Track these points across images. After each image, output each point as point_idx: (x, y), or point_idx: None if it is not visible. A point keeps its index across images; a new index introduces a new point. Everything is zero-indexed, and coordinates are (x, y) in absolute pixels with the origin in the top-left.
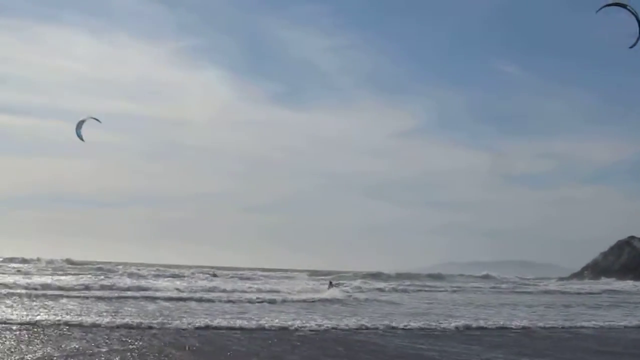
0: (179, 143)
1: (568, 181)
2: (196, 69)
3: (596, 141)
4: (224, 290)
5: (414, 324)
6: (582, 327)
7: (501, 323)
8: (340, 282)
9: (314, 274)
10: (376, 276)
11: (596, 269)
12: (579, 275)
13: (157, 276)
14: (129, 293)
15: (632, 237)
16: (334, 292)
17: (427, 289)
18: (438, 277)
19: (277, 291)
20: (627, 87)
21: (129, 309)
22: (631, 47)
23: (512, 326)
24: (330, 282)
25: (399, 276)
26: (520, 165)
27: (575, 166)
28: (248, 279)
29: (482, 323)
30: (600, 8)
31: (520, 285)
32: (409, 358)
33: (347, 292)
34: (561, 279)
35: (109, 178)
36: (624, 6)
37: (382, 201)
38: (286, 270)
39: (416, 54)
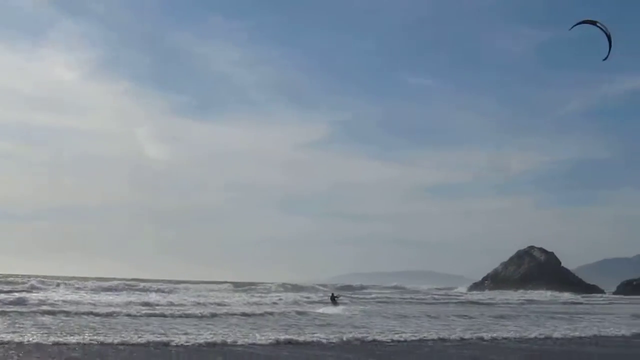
0: (81, 153)
1: (478, 191)
2: (102, 81)
3: (502, 152)
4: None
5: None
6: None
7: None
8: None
9: (238, 286)
10: (296, 288)
11: (497, 279)
12: (479, 285)
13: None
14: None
15: (532, 247)
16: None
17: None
18: (348, 288)
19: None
20: (537, 100)
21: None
22: (604, 60)
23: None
24: (333, 296)
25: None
26: (429, 176)
27: (486, 177)
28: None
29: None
30: (573, 26)
31: (426, 296)
32: None
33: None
34: (470, 288)
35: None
36: (594, 23)
37: (291, 213)
38: (205, 283)
39: (329, 67)
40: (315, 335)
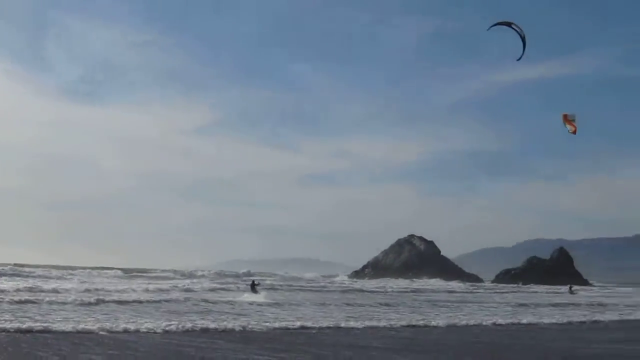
0: None
1: (359, 180)
2: None
3: (385, 141)
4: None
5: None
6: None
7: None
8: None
9: (128, 272)
10: (192, 275)
11: (377, 267)
12: (360, 273)
13: None
14: None
15: (412, 236)
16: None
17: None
18: (227, 275)
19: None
20: (420, 90)
21: None
22: (518, 60)
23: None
24: (253, 284)
25: (190, 275)
26: (316, 164)
27: (366, 165)
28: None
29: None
30: (491, 27)
31: (312, 284)
32: None
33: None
34: (351, 276)
35: None
36: (509, 25)
37: (178, 199)
38: (96, 269)
39: (217, 52)
40: (237, 323)
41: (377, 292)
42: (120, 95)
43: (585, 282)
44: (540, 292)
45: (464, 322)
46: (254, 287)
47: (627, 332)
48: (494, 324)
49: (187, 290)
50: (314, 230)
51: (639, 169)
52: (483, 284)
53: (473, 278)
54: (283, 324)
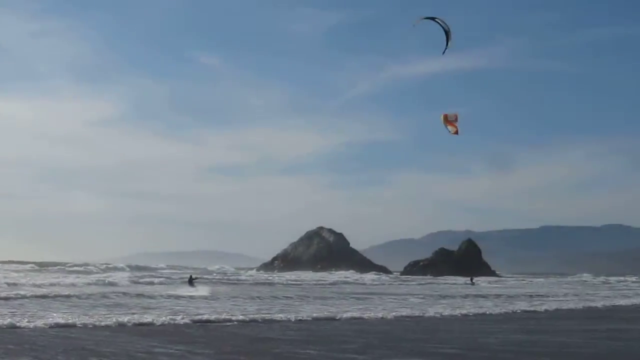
0: None
1: (264, 172)
2: None
3: (290, 133)
4: None
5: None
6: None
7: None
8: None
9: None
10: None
11: (287, 259)
12: (269, 265)
13: None
14: None
15: (321, 228)
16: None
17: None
18: (144, 268)
19: None
20: (326, 82)
21: None
22: (443, 53)
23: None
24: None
25: (108, 268)
26: (218, 156)
27: (272, 157)
28: None
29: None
30: (416, 22)
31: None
32: None
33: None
34: (259, 268)
35: None
36: (433, 19)
37: (77, 191)
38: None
39: (117, 43)
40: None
41: (289, 285)
42: (19, 85)
43: (493, 273)
44: (449, 283)
45: (369, 314)
46: (191, 282)
47: (521, 323)
48: (401, 316)
49: (111, 284)
50: (221, 222)
51: (543, 162)
52: (393, 275)
53: (382, 269)
54: (205, 317)
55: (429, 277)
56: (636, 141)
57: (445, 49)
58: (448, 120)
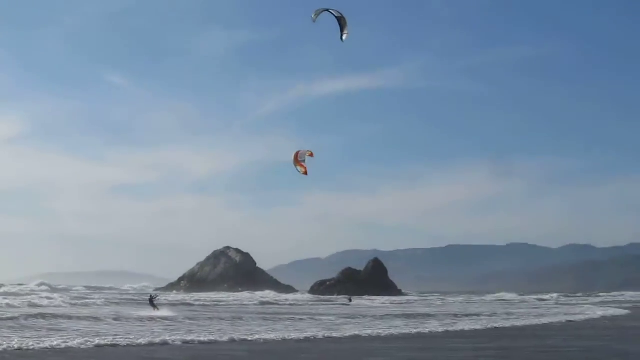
0: None
1: (170, 191)
2: None
3: (196, 152)
4: None
5: None
6: None
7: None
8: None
9: None
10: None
11: (193, 279)
12: (175, 285)
13: None
14: None
15: (228, 248)
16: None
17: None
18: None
19: None
20: (229, 102)
21: None
22: (342, 40)
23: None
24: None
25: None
26: (124, 175)
27: (178, 177)
28: None
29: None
30: (315, 17)
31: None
32: None
33: None
34: (166, 288)
35: None
36: (326, 10)
37: None
38: None
39: (23, 61)
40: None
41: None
42: None
43: (399, 292)
44: (325, 303)
45: (265, 337)
46: (152, 302)
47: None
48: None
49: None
50: (126, 241)
51: (448, 181)
52: (299, 295)
53: (289, 289)
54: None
55: (336, 296)
56: (537, 162)
57: (342, 35)
58: (298, 160)
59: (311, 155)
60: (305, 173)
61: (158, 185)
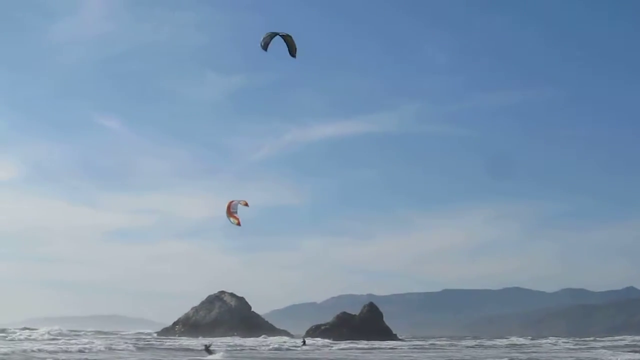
0: None
1: (164, 236)
2: None
3: (190, 197)
4: None
5: None
6: None
7: None
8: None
9: None
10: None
11: (188, 323)
12: (170, 329)
13: None
14: None
15: (223, 292)
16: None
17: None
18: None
19: None
20: (223, 147)
21: None
22: (294, 57)
23: None
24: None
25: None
26: (118, 220)
27: (171, 222)
28: None
29: None
30: (263, 45)
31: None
32: None
33: None
34: (161, 333)
35: None
36: (276, 34)
37: None
38: None
39: (16, 105)
40: None
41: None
42: None
43: (394, 337)
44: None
45: None
46: (208, 350)
47: None
48: None
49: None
50: (119, 286)
51: (443, 226)
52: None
53: (284, 334)
54: None
55: (332, 341)
56: (532, 205)
57: (290, 50)
58: (230, 211)
59: (246, 204)
60: (239, 224)
61: (151, 230)
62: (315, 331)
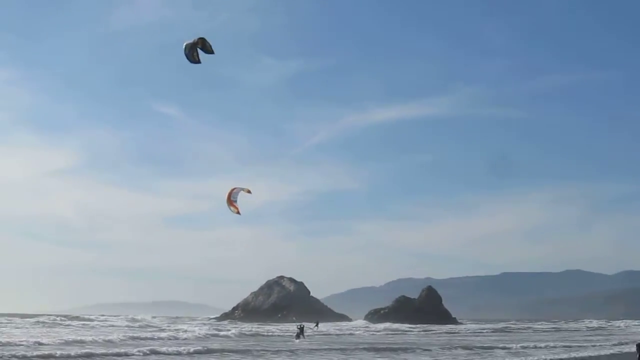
0: None
1: (222, 222)
2: None
3: (249, 182)
4: None
5: None
6: None
7: None
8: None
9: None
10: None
11: (247, 309)
12: (229, 314)
13: None
14: None
15: (282, 277)
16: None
17: None
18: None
19: None
20: (280, 132)
21: None
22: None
23: None
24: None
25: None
26: (176, 206)
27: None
28: None
29: None
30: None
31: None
32: None
33: None
34: (212, 318)
35: None
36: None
37: (32, 241)
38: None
39: (75, 93)
40: None
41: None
42: None
43: (453, 320)
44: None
45: None
46: (302, 331)
47: None
48: None
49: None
50: (179, 272)
51: (502, 209)
52: (354, 323)
53: (343, 318)
54: None
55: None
56: (590, 188)
57: (193, 59)
58: (231, 200)
59: (249, 192)
60: (238, 212)
61: (210, 216)
62: (374, 315)
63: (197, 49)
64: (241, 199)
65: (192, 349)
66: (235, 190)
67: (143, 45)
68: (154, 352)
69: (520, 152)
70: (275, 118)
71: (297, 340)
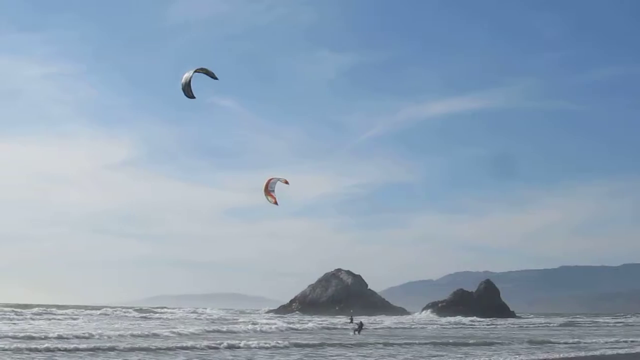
0: None
1: (279, 215)
2: None
3: (306, 175)
4: None
5: None
6: None
7: None
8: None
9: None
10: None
11: (304, 302)
12: (287, 307)
13: None
14: None
15: (339, 270)
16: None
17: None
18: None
19: None
20: (336, 125)
21: None
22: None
23: None
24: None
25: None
26: (233, 199)
27: (286, 200)
28: None
29: None
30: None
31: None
32: None
33: None
34: (270, 311)
35: None
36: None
37: (90, 234)
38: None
39: (132, 86)
40: None
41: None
42: (33, 128)
43: (512, 314)
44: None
45: None
46: (361, 327)
47: None
48: None
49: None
50: (236, 264)
51: (561, 202)
52: (411, 316)
53: (400, 311)
54: None
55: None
56: None
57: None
58: (268, 190)
59: (286, 182)
60: (275, 203)
61: (267, 208)
62: (432, 308)
63: (190, 88)
64: (297, 192)
65: (286, 342)
66: (272, 180)
67: (200, 40)
68: (245, 347)
69: (573, 145)
70: (332, 111)
71: (356, 334)
